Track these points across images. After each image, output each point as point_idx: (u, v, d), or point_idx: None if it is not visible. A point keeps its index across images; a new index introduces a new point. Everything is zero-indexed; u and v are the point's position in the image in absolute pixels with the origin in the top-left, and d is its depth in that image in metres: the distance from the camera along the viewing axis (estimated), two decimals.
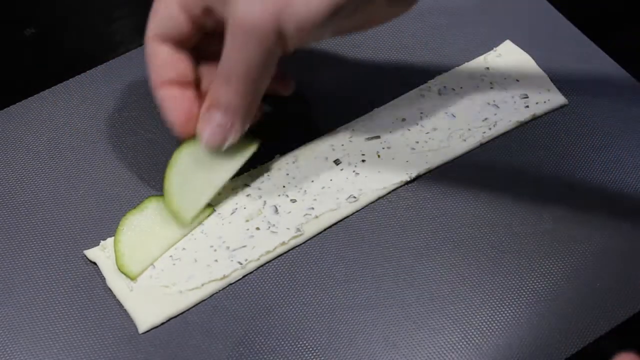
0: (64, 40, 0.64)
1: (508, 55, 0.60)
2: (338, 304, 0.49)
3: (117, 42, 0.63)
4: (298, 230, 0.51)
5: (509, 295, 0.50)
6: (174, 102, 0.49)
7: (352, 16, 0.46)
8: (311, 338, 0.48)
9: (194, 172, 0.51)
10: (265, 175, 0.54)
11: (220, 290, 0.50)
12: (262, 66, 0.46)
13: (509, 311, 0.49)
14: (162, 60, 0.49)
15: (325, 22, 0.44)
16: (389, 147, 0.55)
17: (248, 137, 0.51)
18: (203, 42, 0.50)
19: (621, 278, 0.51)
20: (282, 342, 0.48)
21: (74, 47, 0.63)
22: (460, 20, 0.62)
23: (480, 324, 0.49)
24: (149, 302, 0.49)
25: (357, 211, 0.53)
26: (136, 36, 0.62)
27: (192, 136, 0.50)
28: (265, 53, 0.45)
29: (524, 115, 0.57)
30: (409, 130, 0.56)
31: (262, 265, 0.51)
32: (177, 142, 0.51)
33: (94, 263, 0.50)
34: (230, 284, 0.50)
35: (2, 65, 0.62)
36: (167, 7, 0.48)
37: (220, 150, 0.50)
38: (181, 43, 0.49)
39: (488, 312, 0.49)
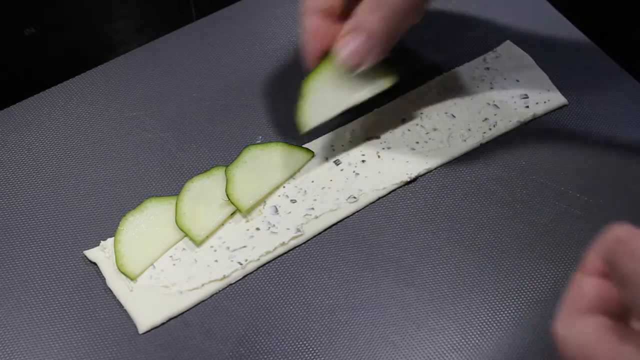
0: (64, 40, 0.64)
1: (508, 56, 0.60)
2: (338, 304, 0.49)
3: (117, 42, 0.63)
4: (298, 230, 0.51)
5: (509, 295, 0.50)
6: (316, 32, 0.50)
7: None
8: (311, 338, 0.48)
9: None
10: None
11: (220, 291, 0.50)
12: (413, 3, 0.47)
13: (509, 311, 0.49)
14: None
15: None
16: (389, 148, 0.55)
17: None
18: None
19: None
20: (282, 343, 0.48)
21: (74, 47, 0.63)
22: (460, 21, 0.62)
23: (480, 324, 0.49)
24: (149, 302, 0.49)
25: (357, 211, 0.53)
26: (136, 36, 0.62)
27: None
28: None
29: (524, 115, 0.57)
30: (409, 130, 0.56)
31: (262, 266, 0.50)
32: (180, 139, 0.50)
33: (94, 263, 0.50)
34: (230, 284, 0.50)
35: (1, 65, 0.62)
36: None
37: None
38: None
39: (488, 312, 0.49)
